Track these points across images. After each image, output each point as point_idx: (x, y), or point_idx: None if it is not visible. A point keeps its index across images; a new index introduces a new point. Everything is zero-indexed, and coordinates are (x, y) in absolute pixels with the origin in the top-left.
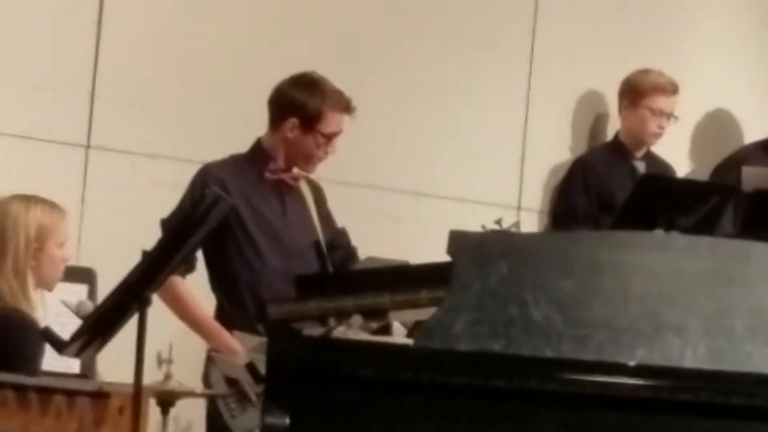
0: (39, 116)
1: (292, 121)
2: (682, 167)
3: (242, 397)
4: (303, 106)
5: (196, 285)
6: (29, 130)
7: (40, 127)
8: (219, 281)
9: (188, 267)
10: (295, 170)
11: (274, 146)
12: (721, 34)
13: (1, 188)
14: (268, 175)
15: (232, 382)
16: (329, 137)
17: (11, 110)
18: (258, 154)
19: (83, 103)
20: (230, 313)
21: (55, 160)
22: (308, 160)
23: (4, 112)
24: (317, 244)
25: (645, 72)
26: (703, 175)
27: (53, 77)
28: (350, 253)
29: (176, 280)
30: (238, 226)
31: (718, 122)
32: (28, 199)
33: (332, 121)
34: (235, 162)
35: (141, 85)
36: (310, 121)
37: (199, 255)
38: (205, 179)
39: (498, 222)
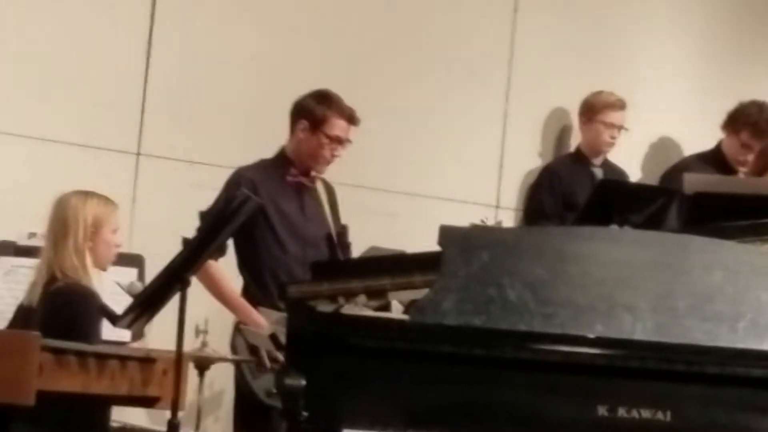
0: (96, 127)
1: (303, 123)
2: (635, 174)
3: (260, 363)
4: (311, 110)
5: (227, 267)
6: (88, 139)
7: (98, 137)
8: (246, 265)
9: (220, 252)
10: (312, 174)
11: (292, 150)
12: (669, 57)
13: (66, 189)
14: (289, 177)
15: (253, 350)
16: (332, 139)
17: (72, 122)
18: (281, 160)
19: (134, 116)
20: (255, 292)
21: (111, 166)
22: (315, 158)
23: (67, 124)
24: (329, 236)
25: (598, 93)
26: (653, 180)
27: (108, 93)
28: (345, 245)
29: (210, 263)
30: (264, 220)
31: (665, 134)
32: (86, 193)
33: (336, 125)
34: (263, 165)
35: (183, 102)
36: (316, 124)
37: (230, 242)
38: (238, 180)
39: (483, 221)
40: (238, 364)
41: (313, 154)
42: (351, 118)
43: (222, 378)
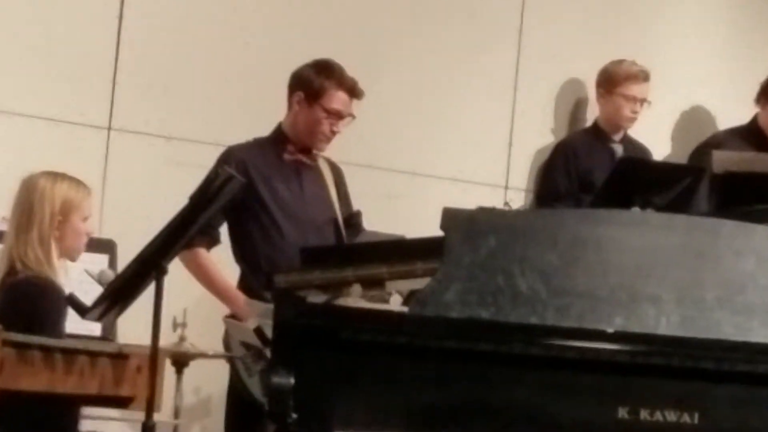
0: (65, 100)
1: (299, 95)
2: (661, 151)
3: (258, 358)
4: (309, 81)
5: (221, 257)
6: (55, 113)
7: (67, 111)
8: (241, 254)
9: (213, 240)
10: (314, 151)
11: (289, 126)
12: (693, 21)
13: (31, 167)
14: (287, 156)
15: (249, 345)
16: (331, 113)
17: (41, 96)
18: (278, 137)
19: (105, 88)
20: (251, 282)
21: (80, 142)
22: (313, 134)
23: (35, 97)
24: (335, 220)
25: (619, 62)
26: (681, 159)
27: (78, 65)
28: (359, 232)
29: (201, 252)
30: (258, 203)
31: (692, 107)
32: (55, 175)
33: (335, 98)
34: (257, 144)
35: (158, 72)
36: (314, 95)
37: (224, 230)
38: (228, 160)
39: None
40: (232, 362)
41: (311, 129)
42: (353, 91)
43: (202, 376)
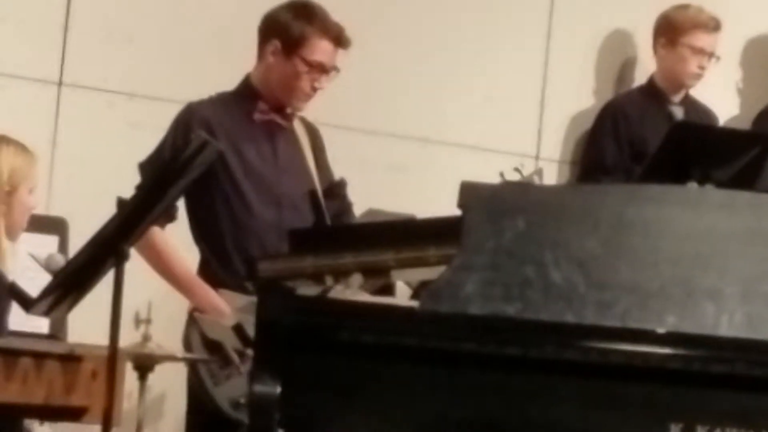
0: (6, 51)
1: (274, 44)
2: (724, 113)
3: (226, 363)
4: (286, 27)
5: (178, 237)
6: None
7: (8, 63)
8: (202, 234)
9: (168, 216)
10: (288, 110)
11: (260, 79)
12: None
13: None
14: (257, 115)
15: (214, 347)
16: (312, 66)
17: None
18: (246, 91)
19: (55, 36)
20: (215, 270)
21: (24, 98)
22: (290, 91)
23: None
24: (313, 194)
25: (684, 7)
26: (748, 123)
27: (22, 9)
28: (345, 206)
29: (155, 230)
30: (224, 172)
31: (763, 61)
32: None
33: (317, 48)
34: (221, 101)
35: (118, 18)
36: (292, 45)
37: (181, 204)
38: (189, 120)
39: (518, 169)
40: (193, 366)
41: (288, 84)
42: (338, 39)
43: (169, 381)
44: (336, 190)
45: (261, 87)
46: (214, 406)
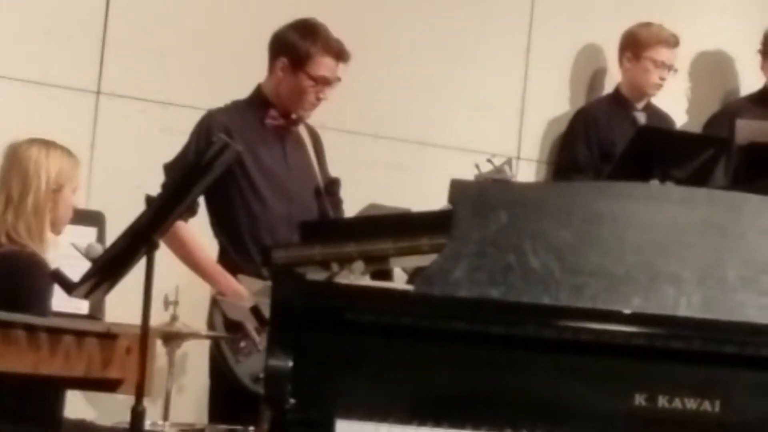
0: (51, 62)
1: (282, 60)
2: (676, 119)
3: (247, 342)
4: (293, 46)
5: (199, 229)
6: (41, 76)
7: (52, 74)
8: (221, 226)
9: (191, 211)
10: (294, 116)
11: (270, 90)
12: None
13: (14, 132)
14: (269, 121)
15: (235, 327)
16: (317, 80)
17: (25, 57)
18: (258, 100)
19: (94, 49)
20: (233, 258)
21: (67, 106)
22: (298, 102)
23: (18, 59)
24: (317, 190)
25: (647, 25)
26: (697, 128)
27: (65, 24)
28: (336, 202)
29: (179, 224)
30: (240, 171)
31: (714, 71)
32: (47, 144)
33: (321, 64)
34: (237, 108)
35: (151, 33)
36: (299, 62)
37: (201, 200)
38: (210, 126)
39: (490, 161)
40: (217, 344)
41: (296, 96)
42: (339, 54)
43: (195, 357)
44: (332, 187)
45: (271, 96)
46: (235, 380)
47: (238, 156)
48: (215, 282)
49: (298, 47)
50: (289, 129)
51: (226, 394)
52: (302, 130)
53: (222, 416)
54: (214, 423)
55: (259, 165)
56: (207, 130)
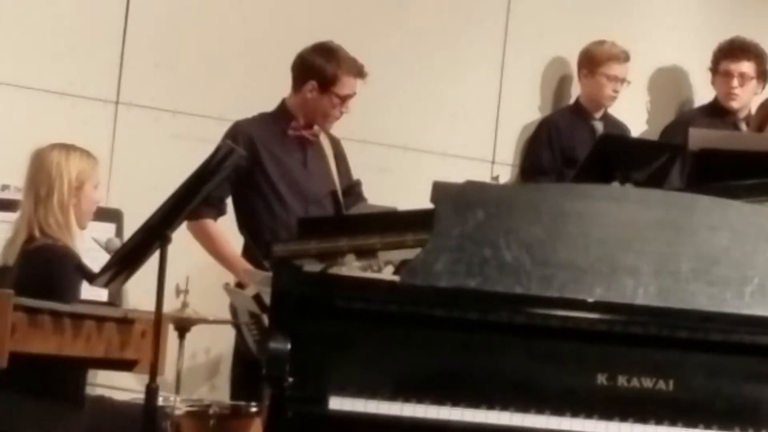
0: (74, 75)
1: (312, 84)
2: (637, 128)
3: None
4: (321, 70)
5: (228, 227)
6: (65, 87)
7: (76, 85)
8: (245, 224)
9: (219, 211)
10: (316, 127)
11: (296, 106)
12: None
13: (41, 139)
14: (291, 131)
15: (254, 313)
16: (344, 99)
17: (50, 70)
18: (283, 113)
19: (113, 63)
20: (254, 252)
21: (88, 115)
22: (325, 118)
23: (44, 71)
24: (334, 193)
25: (600, 43)
26: (655, 136)
27: (87, 40)
28: (360, 200)
29: (209, 222)
30: (263, 176)
31: (670, 85)
32: (67, 147)
33: (346, 84)
34: (262, 119)
35: (165, 48)
36: (327, 84)
37: (229, 201)
38: (236, 135)
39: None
40: (238, 328)
41: (324, 114)
42: (360, 73)
43: (202, 340)
44: (353, 189)
45: (295, 111)
46: (252, 357)
47: (261, 162)
48: (235, 272)
49: (326, 71)
50: (309, 139)
51: (247, 374)
52: (324, 139)
53: (244, 395)
54: (235, 400)
55: (281, 170)
56: (233, 138)
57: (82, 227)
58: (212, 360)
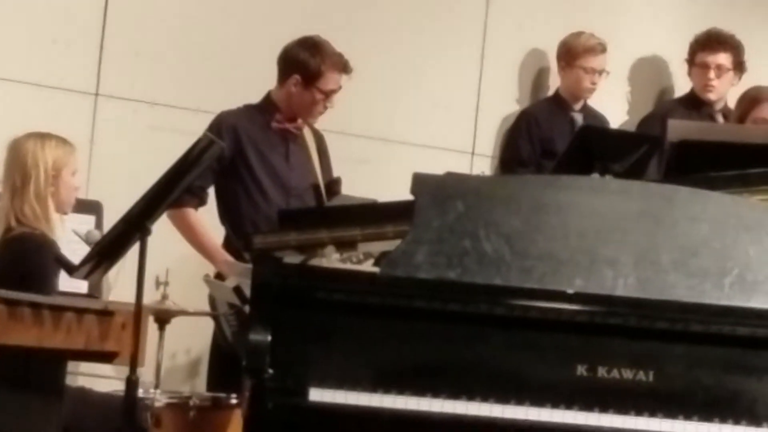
0: (54, 67)
1: (295, 78)
2: (617, 119)
3: (241, 319)
4: (305, 65)
5: (209, 220)
6: (45, 79)
7: (55, 77)
8: (226, 215)
9: (201, 201)
10: (299, 121)
11: (280, 99)
12: None
13: (19, 131)
14: (274, 124)
15: (233, 304)
16: (327, 94)
17: (29, 62)
18: (267, 105)
19: (93, 55)
20: (235, 243)
21: (68, 106)
22: (309, 112)
23: (23, 63)
24: (316, 187)
25: (577, 35)
26: (634, 127)
27: (66, 32)
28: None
29: (190, 211)
30: (245, 167)
31: (650, 75)
32: (43, 136)
33: (330, 79)
34: (246, 111)
35: (144, 41)
36: (310, 79)
37: (210, 191)
38: (220, 126)
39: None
40: (216, 320)
41: (307, 108)
42: (345, 69)
43: (183, 332)
44: (334, 186)
45: (280, 104)
46: (231, 350)
47: (243, 154)
48: (217, 262)
49: (310, 65)
50: (293, 132)
51: (224, 364)
52: (307, 133)
53: (221, 386)
54: (212, 391)
55: (263, 162)
56: (217, 130)
57: (64, 213)
58: (192, 352)
